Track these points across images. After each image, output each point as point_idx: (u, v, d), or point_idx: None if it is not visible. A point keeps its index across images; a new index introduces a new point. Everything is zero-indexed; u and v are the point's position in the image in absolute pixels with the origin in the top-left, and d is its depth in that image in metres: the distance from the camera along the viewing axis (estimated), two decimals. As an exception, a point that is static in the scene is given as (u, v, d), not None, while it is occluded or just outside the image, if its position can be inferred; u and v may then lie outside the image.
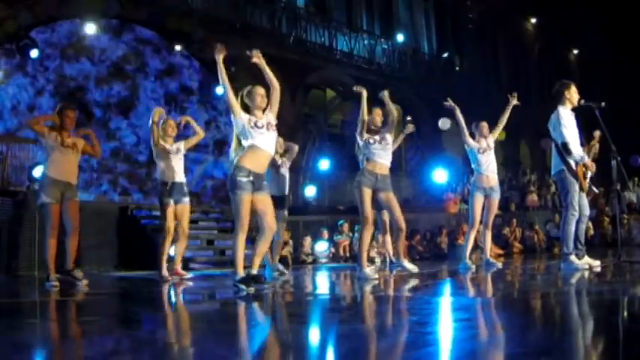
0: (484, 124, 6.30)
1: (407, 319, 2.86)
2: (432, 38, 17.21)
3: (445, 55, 16.92)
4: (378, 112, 5.31)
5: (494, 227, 10.57)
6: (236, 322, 2.98)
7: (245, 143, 4.05)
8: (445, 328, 2.47)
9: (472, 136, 6.27)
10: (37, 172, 7.75)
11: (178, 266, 5.70)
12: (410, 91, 15.06)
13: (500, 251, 9.35)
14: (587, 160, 5.14)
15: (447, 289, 4.50)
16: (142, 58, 11.71)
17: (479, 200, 6.07)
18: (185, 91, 12.43)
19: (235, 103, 4.13)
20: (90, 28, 9.98)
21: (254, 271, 3.97)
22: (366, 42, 14.85)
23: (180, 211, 5.52)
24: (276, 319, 3.12)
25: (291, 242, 8.69)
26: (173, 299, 4.42)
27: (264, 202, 4.07)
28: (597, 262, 5.31)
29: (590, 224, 10.60)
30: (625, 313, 2.66)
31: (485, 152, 6.16)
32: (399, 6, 16.38)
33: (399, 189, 13.73)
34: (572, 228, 5.17)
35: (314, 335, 2.46)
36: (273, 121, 4.19)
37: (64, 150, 4.93)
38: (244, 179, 3.95)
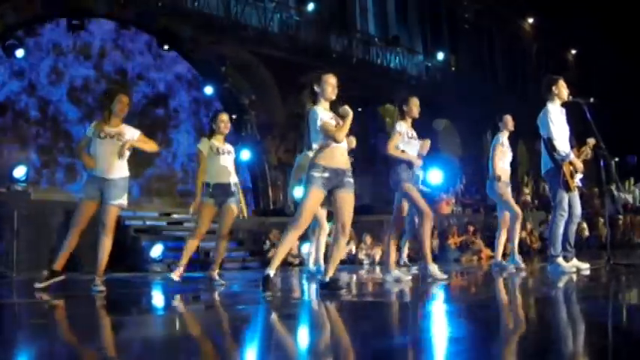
0: (509, 117, 6.08)
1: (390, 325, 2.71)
2: (427, 38, 17.08)
3: (440, 55, 16.78)
4: (415, 103, 4.99)
5: (488, 228, 10.49)
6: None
7: (317, 144, 3.87)
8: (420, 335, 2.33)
9: (497, 128, 6.11)
10: (18, 172, 7.64)
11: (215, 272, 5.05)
12: (405, 90, 14.91)
13: (492, 253, 9.17)
14: (574, 159, 4.97)
15: (427, 293, 4.34)
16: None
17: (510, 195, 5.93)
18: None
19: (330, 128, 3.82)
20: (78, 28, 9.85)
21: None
22: (360, 42, 14.72)
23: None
24: (276, 322, 2.97)
25: (278, 244, 8.55)
26: (160, 302, 4.28)
27: (343, 199, 3.84)
28: (586, 265, 5.15)
29: (585, 225, 10.45)
30: (609, 323, 2.48)
31: (508, 150, 6.00)
32: (393, 5, 16.25)
33: (392, 190, 13.59)
34: (561, 229, 5.02)
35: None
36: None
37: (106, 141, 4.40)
38: (317, 174, 3.78)
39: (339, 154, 3.88)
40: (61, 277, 4.44)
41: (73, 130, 10.57)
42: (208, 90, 11.32)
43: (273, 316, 3.18)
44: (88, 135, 4.45)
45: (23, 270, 6.81)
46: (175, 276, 4.79)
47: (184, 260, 4.87)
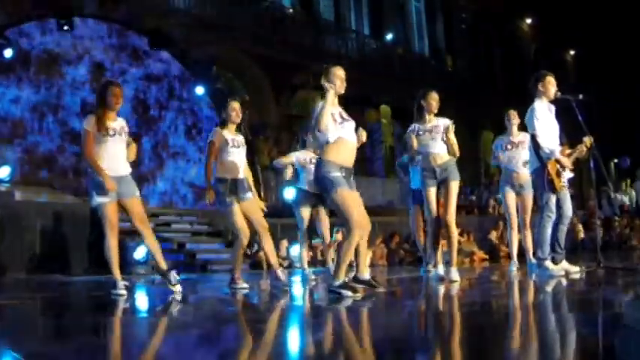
0: (513, 113, 5.84)
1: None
2: (423, 38, 16.96)
3: (436, 55, 16.67)
4: (434, 97, 4.85)
5: (481, 229, 10.34)
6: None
7: (330, 138, 3.64)
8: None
9: (504, 128, 5.81)
10: (2, 172, 7.54)
11: (279, 269, 4.68)
12: (400, 91, 14.80)
13: (485, 256, 9.05)
14: (561, 157, 4.81)
15: (404, 299, 4.21)
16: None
17: (511, 197, 5.68)
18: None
19: (327, 121, 3.62)
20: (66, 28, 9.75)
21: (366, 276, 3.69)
22: (354, 42, 14.61)
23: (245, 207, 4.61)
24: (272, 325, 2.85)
25: (267, 246, 8.42)
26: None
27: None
28: (576, 268, 5.00)
29: (581, 227, 10.31)
30: (592, 334, 2.32)
31: (512, 148, 5.71)
32: (388, 5, 16.13)
33: (385, 191, 13.47)
34: (548, 231, 4.86)
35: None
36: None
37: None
38: (338, 174, 3.58)
39: (351, 152, 3.67)
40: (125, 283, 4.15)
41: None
42: (200, 90, 11.21)
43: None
44: (91, 131, 4.07)
45: (6, 271, 6.73)
46: (239, 283, 4.53)
47: (236, 272, 4.59)
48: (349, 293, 3.47)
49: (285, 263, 8.37)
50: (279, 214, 8.99)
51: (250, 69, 12.27)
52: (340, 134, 3.62)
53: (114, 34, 10.87)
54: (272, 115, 12.30)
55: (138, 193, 4.20)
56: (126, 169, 4.18)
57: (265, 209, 4.83)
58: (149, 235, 4.20)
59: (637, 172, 11.52)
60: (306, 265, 5.79)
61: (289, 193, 9.96)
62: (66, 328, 2.90)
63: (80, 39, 10.60)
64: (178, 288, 4.15)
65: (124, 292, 4.08)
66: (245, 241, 4.57)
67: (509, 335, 2.28)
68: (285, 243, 8.54)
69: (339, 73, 3.72)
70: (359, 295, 3.48)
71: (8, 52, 9.59)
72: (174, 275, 4.16)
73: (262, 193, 11.91)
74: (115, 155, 4.11)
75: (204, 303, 4.25)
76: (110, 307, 3.79)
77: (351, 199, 3.59)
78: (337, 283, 3.54)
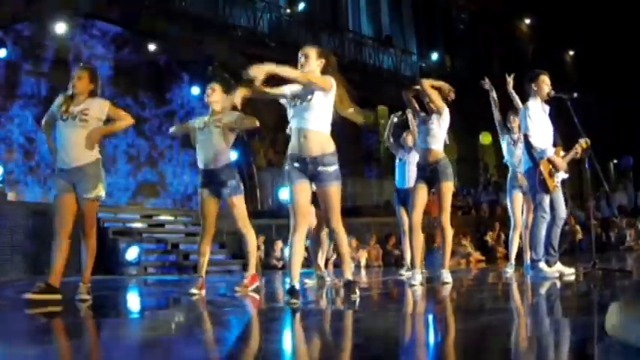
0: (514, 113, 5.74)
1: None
2: (420, 38, 16.88)
3: (434, 55, 16.59)
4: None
5: (478, 230, 10.28)
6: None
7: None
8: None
9: (508, 130, 5.75)
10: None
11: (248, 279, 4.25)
12: (398, 92, 14.75)
13: (482, 257, 8.98)
14: (554, 157, 4.75)
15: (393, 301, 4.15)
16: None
17: (517, 198, 5.56)
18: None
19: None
20: (60, 28, 9.69)
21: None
22: (352, 42, 14.55)
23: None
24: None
25: (262, 247, 8.38)
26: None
27: (320, 196, 3.31)
28: (570, 270, 4.93)
29: (579, 228, 10.25)
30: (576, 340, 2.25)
31: (516, 144, 5.62)
32: (386, 4, 16.06)
33: (381, 191, 13.40)
34: (542, 232, 4.81)
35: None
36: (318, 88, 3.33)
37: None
38: (287, 167, 3.31)
39: (296, 137, 3.31)
40: (56, 296, 3.70)
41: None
42: (195, 90, 11.16)
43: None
44: (52, 110, 3.77)
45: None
46: (196, 289, 4.06)
47: (201, 270, 4.13)
48: (289, 298, 3.25)
49: (280, 264, 8.32)
50: (275, 215, 8.96)
51: (246, 69, 12.19)
52: (290, 120, 3.38)
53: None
54: (269, 116, 12.23)
55: (91, 195, 3.68)
56: (82, 160, 3.65)
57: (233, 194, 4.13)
58: (88, 242, 3.84)
59: (628, 174, 11.47)
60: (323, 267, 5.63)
61: (285, 194, 9.93)
62: (40, 330, 2.84)
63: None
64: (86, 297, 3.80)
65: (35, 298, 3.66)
66: (203, 235, 4.11)
67: (489, 340, 2.22)
68: (279, 244, 8.49)
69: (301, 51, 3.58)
70: (294, 303, 3.22)
71: (2, 52, 9.57)
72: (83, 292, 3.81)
73: (258, 194, 11.91)
74: (67, 143, 3.67)
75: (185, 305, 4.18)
76: (96, 308, 3.74)
77: (293, 194, 3.29)
78: (290, 283, 3.31)
